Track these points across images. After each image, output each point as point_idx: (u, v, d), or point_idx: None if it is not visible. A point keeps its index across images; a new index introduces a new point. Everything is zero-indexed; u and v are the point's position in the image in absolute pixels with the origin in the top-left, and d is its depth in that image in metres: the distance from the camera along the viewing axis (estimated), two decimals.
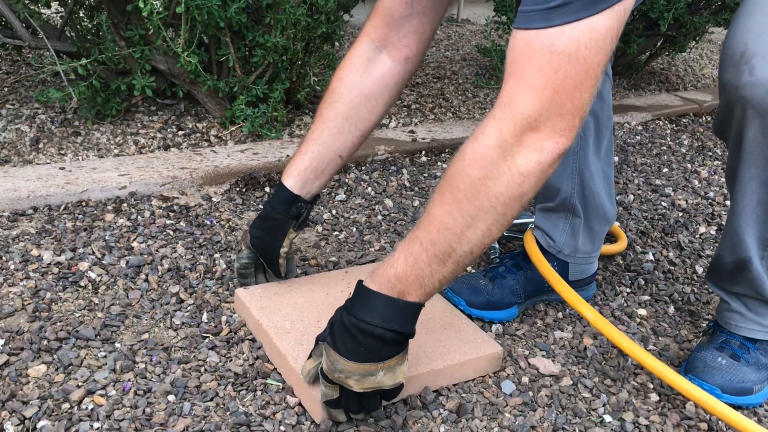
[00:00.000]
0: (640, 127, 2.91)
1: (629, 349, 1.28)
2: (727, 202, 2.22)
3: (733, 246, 1.32)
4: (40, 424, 1.11)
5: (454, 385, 1.30)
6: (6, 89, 2.50)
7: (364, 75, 1.35)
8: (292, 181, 1.35)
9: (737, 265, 1.32)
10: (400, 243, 1.04)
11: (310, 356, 1.13)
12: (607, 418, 1.26)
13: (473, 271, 1.68)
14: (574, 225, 1.54)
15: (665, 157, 2.64)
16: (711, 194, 2.32)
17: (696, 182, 2.42)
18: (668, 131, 2.95)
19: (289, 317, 1.34)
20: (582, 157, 1.48)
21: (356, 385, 1.04)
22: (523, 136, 0.94)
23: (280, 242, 1.37)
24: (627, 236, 1.90)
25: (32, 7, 2.11)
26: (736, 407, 1.31)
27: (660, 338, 1.52)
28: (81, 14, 2.40)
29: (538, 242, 1.55)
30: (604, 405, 1.29)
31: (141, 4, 1.92)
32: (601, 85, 1.44)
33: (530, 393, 1.30)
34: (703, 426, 1.26)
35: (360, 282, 1.06)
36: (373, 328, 1.01)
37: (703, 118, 3.19)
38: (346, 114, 1.34)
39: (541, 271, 1.46)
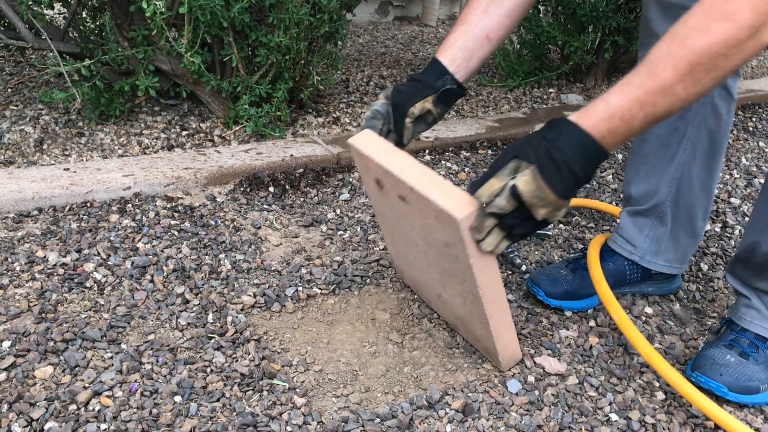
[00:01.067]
0: None
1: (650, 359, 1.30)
2: (732, 200, 2.21)
3: None
4: (47, 426, 1.12)
5: (460, 384, 1.30)
6: (10, 90, 2.51)
7: None
8: (442, 55, 1.35)
9: None
10: (617, 96, 1.01)
11: (491, 176, 1.09)
12: (614, 416, 1.26)
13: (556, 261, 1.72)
14: (659, 234, 1.55)
15: None
16: (715, 192, 2.31)
17: None
18: None
19: (411, 161, 1.28)
20: (686, 169, 1.49)
21: (542, 214, 1.06)
22: None
23: (415, 101, 1.34)
24: None
25: (35, 8, 2.11)
26: (742, 406, 1.31)
27: (666, 336, 1.51)
28: (84, 15, 2.40)
29: (613, 249, 1.60)
30: (610, 404, 1.29)
31: (144, 5, 1.92)
32: (720, 101, 1.45)
33: (536, 392, 1.30)
34: (710, 424, 1.26)
35: (565, 118, 1.05)
36: (578, 168, 1.03)
37: None
38: None
39: (591, 273, 1.50)
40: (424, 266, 1.40)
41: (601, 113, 1.02)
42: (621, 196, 2.14)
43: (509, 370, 1.35)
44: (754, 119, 3.04)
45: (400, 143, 1.37)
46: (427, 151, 2.35)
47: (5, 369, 1.23)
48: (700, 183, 1.52)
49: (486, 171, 1.10)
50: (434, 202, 1.14)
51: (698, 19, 0.94)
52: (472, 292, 1.23)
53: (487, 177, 1.08)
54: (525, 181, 1.03)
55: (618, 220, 1.87)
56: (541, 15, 3.24)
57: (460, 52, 1.34)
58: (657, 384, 1.36)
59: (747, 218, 2.09)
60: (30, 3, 2.06)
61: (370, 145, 1.31)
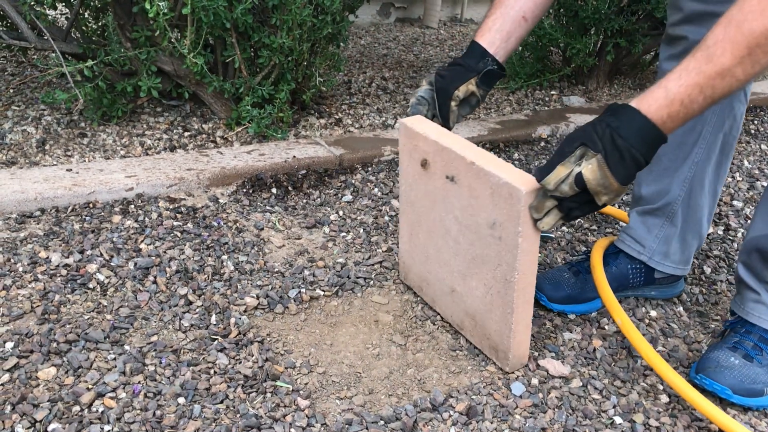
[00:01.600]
0: None
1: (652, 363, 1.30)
2: (734, 202, 2.21)
3: None
4: (51, 427, 1.11)
5: (464, 386, 1.30)
6: (12, 90, 2.51)
7: None
8: (480, 38, 1.39)
9: None
10: (675, 82, 1.04)
11: (557, 163, 1.11)
12: (618, 419, 1.26)
13: (558, 265, 1.73)
14: (669, 234, 1.55)
15: None
16: (719, 194, 2.31)
17: None
18: None
19: (467, 142, 1.34)
20: (699, 168, 1.50)
21: (604, 201, 1.10)
22: None
23: (459, 84, 1.38)
24: None
25: (38, 9, 2.10)
26: (746, 409, 1.31)
27: (669, 339, 1.51)
28: (86, 15, 2.40)
29: (616, 253, 1.60)
30: (614, 406, 1.29)
31: (147, 6, 1.92)
32: (737, 103, 1.47)
33: (540, 395, 1.30)
34: (714, 428, 1.26)
35: (627, 104, 1.08)
36: (639, 156, 1.06)
37: None
38: None
39: (594, 276, 1.50)
40: (448, 257, 1.41)
41: (661, 99, 1.04)
42: (629, 197, 2.14)
43: (513, 372, 1.35)
44: (756, 122, 3.04)
45: (446, 127, 1.41)
46: None
47: (8, 370, 1.23)
48: (710, 184, 1.53)
49: (552, 158, 1.13)
50: (498, 176, 1.18)
51: (754, 3, 0.97)
52: (504, 278, 1.25)
53: (554, 164, 1.11)
54: (591, 170, 1.06)
55: (621, 223, 1.86)
56: (543, 17, 3.24)
57: (498, 34, 1.38)
58: (661, 387, 1.36)
59: (749, 221, 2.08)
60: (33, 3, 2.06)
61: (422, 126, 1.37)
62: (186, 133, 2.30)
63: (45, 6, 2.11)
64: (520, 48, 3.32)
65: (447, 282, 1.44)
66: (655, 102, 1.05)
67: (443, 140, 1.31)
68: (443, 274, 1.44)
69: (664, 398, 1.33)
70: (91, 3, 2.32)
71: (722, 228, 2.06)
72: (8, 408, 1.14)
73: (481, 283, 1.33)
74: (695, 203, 1.53)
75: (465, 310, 1.41)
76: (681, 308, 1.63)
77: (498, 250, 1.24)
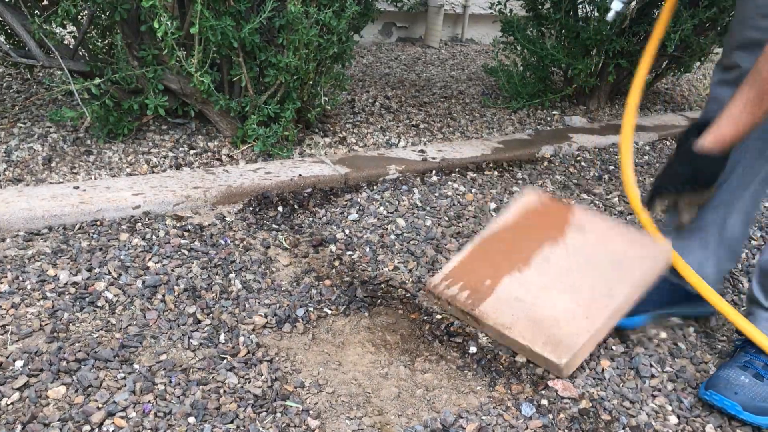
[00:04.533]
0: (647, 147, 2.92)
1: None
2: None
3: None
4: None
5: (474, 407, 1.30)
6: (17, 108, 2.51)
7: None
8: None
9: None
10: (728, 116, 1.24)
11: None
12: None
13: None
14: (703, 258, 1.55)
15: None
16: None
17: None
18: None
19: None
20: (736, 195, 1.51)
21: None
22: None
23: None
24: None
25: (46, 27, 2.12)
26: (756, 428, 1.31)
27: (676, 360, 1.51)
28: (94, 34, 2.42)
29: None
30: (624, 427, 1.29)
31: (156, 25, 1.93)
32: None
33: (550, 415, 1.30)
34: None
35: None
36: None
37: None
38: None
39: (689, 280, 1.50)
40: (533, 278, 1.55)
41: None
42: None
43: (522, 392, 1.35)
44: None
45: None
46: (434, 171, 2.36)
47: (18, 389, 1.23)
48: (747, 208, 1.52)
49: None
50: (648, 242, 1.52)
51: None
52: (606, 304, 1.44)
53: None
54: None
55: None
56: (545, 38, 3.27)
57: None
58: (669, 408, 1.36)
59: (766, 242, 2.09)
60: (42, 22, 2.08)
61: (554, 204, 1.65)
62: (191, 151, 2.31)
63: (54, 24, 2.12)
64: (522, 68, 3.35)
65: (515, 293, 1.53)
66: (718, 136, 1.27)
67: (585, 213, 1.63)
68: (514, 288, 1.54)
69: (674, 419, 1.33)
70: (99, 22, 2.33)
71: None
72: (18, 427, 1.14)
73: (586, 286, 1.49)
74: (732, 228, 1.52)
75: (543, 314, 1.46)
76: (690, 329, 1.63)
77: (614, 284, 1.45)
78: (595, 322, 1.41)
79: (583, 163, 2.63)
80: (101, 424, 1.17)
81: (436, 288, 1.59)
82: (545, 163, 2.58)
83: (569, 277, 1.50)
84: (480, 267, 1.60)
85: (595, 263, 1.51)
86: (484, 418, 1.28)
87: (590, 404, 1.34)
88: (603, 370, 1.44)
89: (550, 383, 1.38)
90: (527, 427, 1.26)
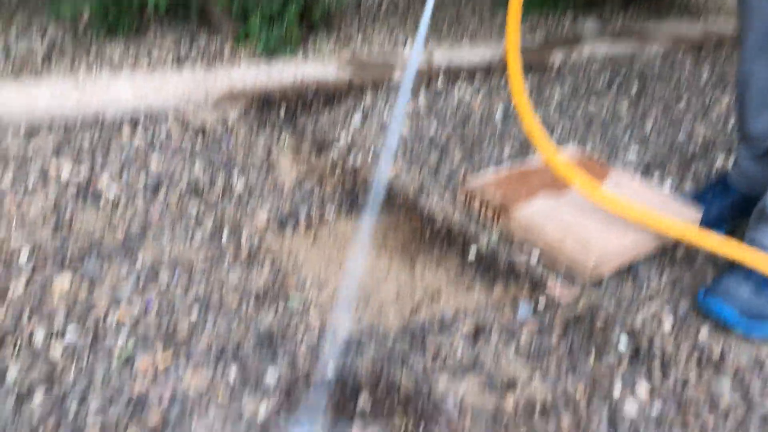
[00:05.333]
0: (659, 57, 2.85)
1: None
2: None
3: None
4: (67, 332, 1.14)
5: (472, 307, 1.32)
6: (15, 2, 2.44)
7: None
8: None
9: None
10: None
11: None
12: (624, 338, 1.28)
13: None
14: None
15: (684, 87, 2.60)
16: (729, 127, 2.29)
17: (714, 114, 2.39)
18: (688, 61, 2.89)
19: None
20: None
21: None
22: None
23: None
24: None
25: None
26: (748, 335, 1.33)
27: (675, 267, 1.53)
28: None
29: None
30: (618, 333, 1.31)
31: None
32: None
33: (546, 318, 1.32)
34: None
35: None
36: None
37: (724, 51, 3.12)
38: None
39: None
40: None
41: None
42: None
43: (520, 296, 1.37)
44: None
45: None
46: (440, 76, 2.31)
47: (24, 279, 1.25)
48: None
49: None
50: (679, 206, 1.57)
51: None
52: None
53: None
54: None
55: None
56: None
57: None
58: (664, 314, 1.38)
59: None
60: None
61: None
62: (193, 51, 2.26)
63: None
64: None
65: (551, 205, 1.57)
66: None
67: None
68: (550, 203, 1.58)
69: (668, 325, 1.35)
70: None
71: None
72: (25, 317, 1.17)
73: (606, 222, 1.50)
74: None
75: (561, 218, 1.51)
76: None
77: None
78: (629, 235, 1.46)
79: (592, 72, 2.57)
80: (105, 315, 1.19)
81: (474, 190, 1.62)
82: (555, 71, 2.52)
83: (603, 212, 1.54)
84: (518, 185, 1.64)
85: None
86: (481, 316, 1.30)
87: (587, 310, 1.36)
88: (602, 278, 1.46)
89: (548, 287, 1.40)
90: (523, 328, 1.29)
